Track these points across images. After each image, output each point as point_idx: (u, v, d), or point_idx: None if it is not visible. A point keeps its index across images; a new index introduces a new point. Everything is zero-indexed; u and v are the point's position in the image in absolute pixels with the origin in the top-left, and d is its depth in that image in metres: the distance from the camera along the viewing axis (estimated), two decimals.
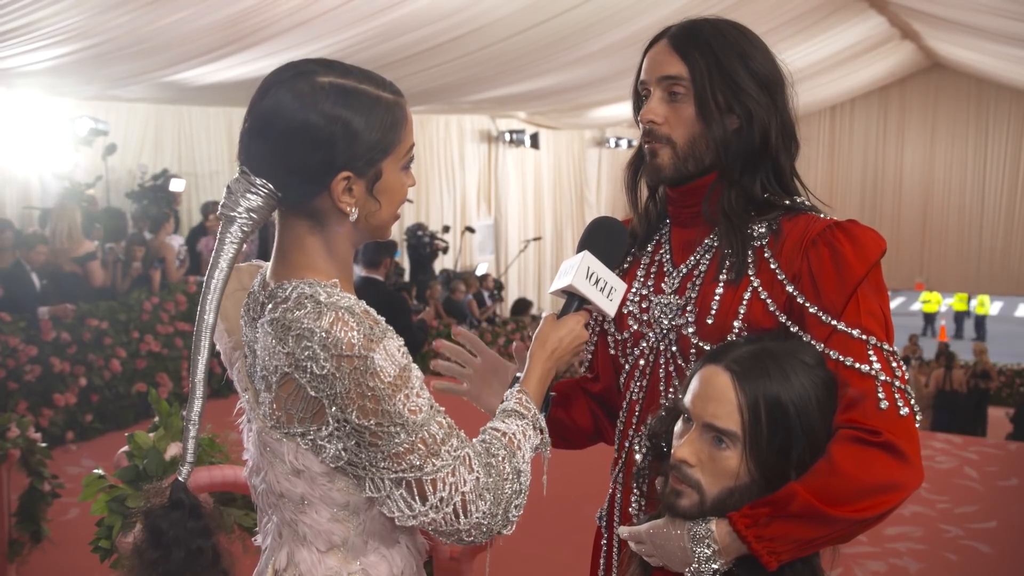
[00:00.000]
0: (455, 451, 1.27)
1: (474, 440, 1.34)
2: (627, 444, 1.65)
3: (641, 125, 1.57)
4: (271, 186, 1.28)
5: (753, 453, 1.34)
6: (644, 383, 1.62)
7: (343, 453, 1.25)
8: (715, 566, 1.35)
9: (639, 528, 1.45)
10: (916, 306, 22.66)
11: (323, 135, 1.25)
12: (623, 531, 1.49)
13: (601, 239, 1.57)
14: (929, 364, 12.65)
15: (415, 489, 1.25)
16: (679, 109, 1.53)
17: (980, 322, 21.70)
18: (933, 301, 21.48)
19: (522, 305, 12.65)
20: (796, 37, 12.20)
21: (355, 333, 1.20)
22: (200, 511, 1.30)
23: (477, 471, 1.28)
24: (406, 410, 1.22)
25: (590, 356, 1.78)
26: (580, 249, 1.56)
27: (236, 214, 1.30)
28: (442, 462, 1.25)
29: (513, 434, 1.36)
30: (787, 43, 12.16)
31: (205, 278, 1.32)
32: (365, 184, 1.29)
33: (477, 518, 1.28)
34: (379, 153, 1.29)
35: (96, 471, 2.36)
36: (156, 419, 2.46)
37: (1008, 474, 6.48)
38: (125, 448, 2.39)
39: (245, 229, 1.31)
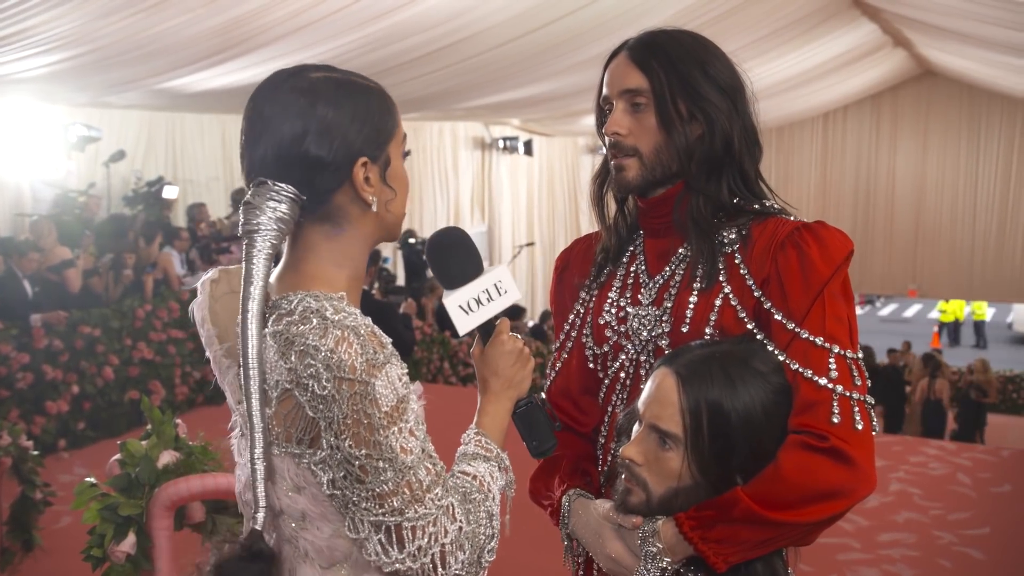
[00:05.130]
0: (439, 500, 1.23)
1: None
2: (609, 457, 1.65)
3: (606, 138, 1.58)
4: (295, 190, 1.25)
5: (695, 456, 1.37)
6: (624, 396, 1.62)
7: (332, 484, 1.22)
8: (662, 565, 1.38)
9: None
10: (933, 314, 22.75)
11: (333, 125, 1.24)
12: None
13: (447, 265, 1.47)
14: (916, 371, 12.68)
15: (393, 535, 1.21)
16: (642, 120, 1.54)
17: (979, 328, 21.73)
18: (950, 311, 21.52)
19: (516, 312, 12.66)
20: (789, 44, 12.24)
21: (359, 357, 1.17)
22: (274, 562, 1.25)
23: (460, 520, 1.25)
24: (397, 446, 1.19)
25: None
26: (437, 274, 1.47)
27: (261, 226, 1.24)
28: (425, 510, 1.22)
29: (483, 476, 1.34)
30: (780, 50, 12.20)
31: (241, 301, 1.23)
32: (379, 171, 1.29)
33: (456, 569, 1.25)
34: (385, 136, 1.29)
35: (88, 479, 2.36)
36: (149, 427, 2.46)
37: (1001, 480, 6.49)
38: (117, 456, 2.39)
39: (273, 241, 1.25)
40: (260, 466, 1.23)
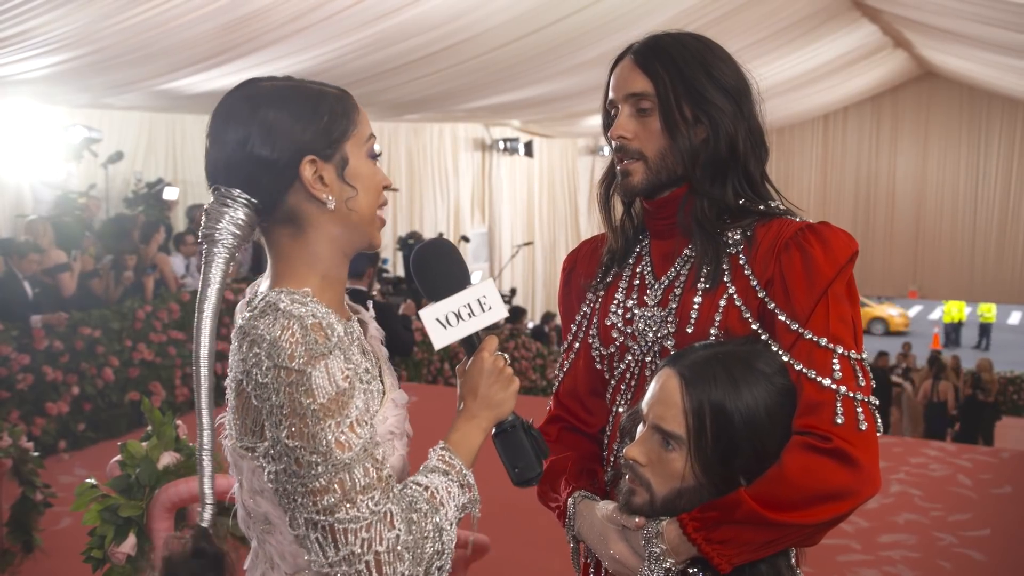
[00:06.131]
0: (375, 505, 1.19)
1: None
2: (613, 459, 1.65)
3: (612, 142, 1.58)
4: (246, 195, 1.28)
5: (698, 457, 1.37)
6: (629, 396, 1.62)
7: (275, 477, 1.20)
8: (666, 566, 1.39)
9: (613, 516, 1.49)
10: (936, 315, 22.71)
11: (276, 127, 1.27)
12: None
13: (429, 276, 1.43)
14: (920, 371, 12.65)
15: (328, 535, 1.18)
16: (647, 123, 1.54)
17: (985, 330, 21.67)
18: (953, 312, 21.49)
19: (516, 313, 12.65)
20: (790, 46, 12.25)
21: (299, 345, 1.17)
22: (222, 562, 1.25)
23: (398, 528, 1.20)
24: (332, 440, 1.17)
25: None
26: (420, 285, 1.44)
27: (218, 233, 1.28)
28: (357, 512, 1.18)
29: (436, 489, 1.28)
30: (781, 52, 12.21)
31: (197, 303, 1.29)
32: (334, 169, 1.29)
33: None
34: (337, 135, 1.30)
35: (89, 480, 2.35)
36: (149, 428, 2.46)
37: (1001, 482, 6.49)
38: (118, 457, 2.39)
39: (229, 246, 1.29)
40: (207, 461, 1.28)
